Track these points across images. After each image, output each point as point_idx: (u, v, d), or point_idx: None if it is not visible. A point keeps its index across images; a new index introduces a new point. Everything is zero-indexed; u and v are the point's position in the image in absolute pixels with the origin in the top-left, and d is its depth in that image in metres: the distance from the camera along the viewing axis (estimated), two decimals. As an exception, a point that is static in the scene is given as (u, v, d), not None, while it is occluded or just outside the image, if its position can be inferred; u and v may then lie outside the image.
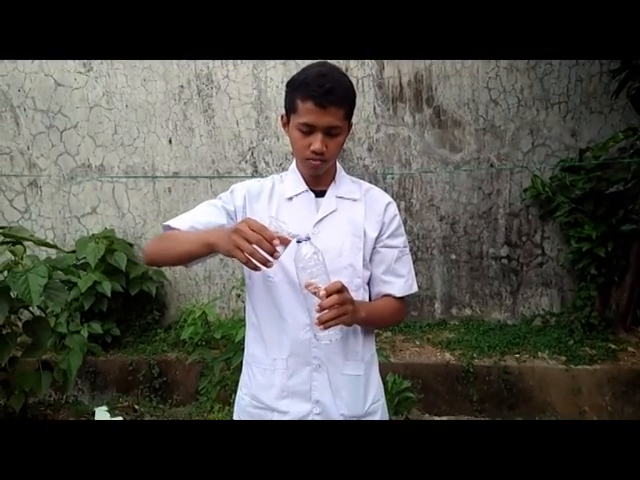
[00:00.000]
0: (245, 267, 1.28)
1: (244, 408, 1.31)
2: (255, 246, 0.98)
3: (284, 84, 1.23)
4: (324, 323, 1.04)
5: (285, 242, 1.02)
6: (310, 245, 1.06)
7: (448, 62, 3.65)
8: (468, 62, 3.63)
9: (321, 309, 1.04)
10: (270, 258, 0.99)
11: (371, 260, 1.29)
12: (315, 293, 1.05)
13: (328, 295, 1.04)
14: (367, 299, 1.30)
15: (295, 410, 1.22)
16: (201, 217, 1.22)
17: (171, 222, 1.22)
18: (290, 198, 1.27)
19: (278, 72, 3.79)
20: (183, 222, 1.21)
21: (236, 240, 0.99)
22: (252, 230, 0.99)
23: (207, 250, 1.11)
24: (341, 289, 1.07)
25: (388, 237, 1.29)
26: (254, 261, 0.99)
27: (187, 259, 1.18)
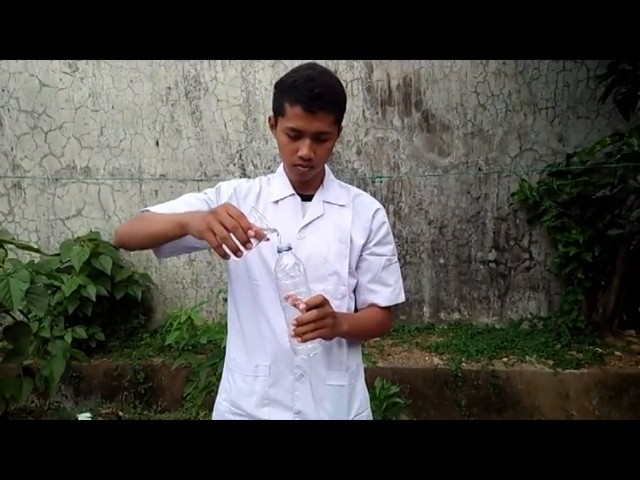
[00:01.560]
0: (228, 267, 1.25)
1: (222, 414, 1.27)
2: (230, 234, 0.95)
3: (272, 86, 1.20)
4: (301, 336, 1.01)
5: (260, 236, 0.98)
6: (291, 255, 1.02)
7: (437, 66, 3.66)
8: (456, 66, 3.64)
9: (299, 324, 1.01)
10: (242, 248, 0.96)
11: (357, 268, 1.26)
12: (295, 305, 1.02)
13: (308, 309, 1.01)
14: (353, 307, 1.27)
15: (275, 418, 1.19)
16: (182, 207, 1.19)
17: (150, 208, 1.20)
18: (276, 201, 1.24)
19: (267, 74, 3.77)
20: (162, 208, 1.19)
21: (211, 222, 0.96)
22: (230, 216, 0.96)
23: (179, 231, 1.07)
24: (322, 303, 1.04)
25: (375, 245, 1.26)
26: (225, 248, 0.96)
27: (158, 240, 1.14)
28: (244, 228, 0.95)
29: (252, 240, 0.96)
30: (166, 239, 1.12)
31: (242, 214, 0.98)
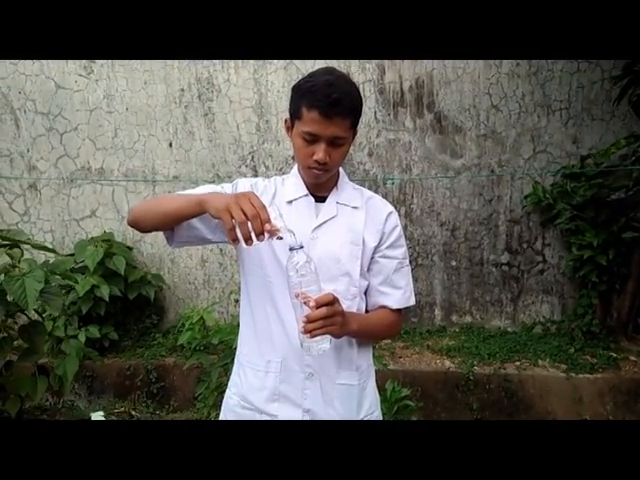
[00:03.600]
0: (242, 262, 1.26)
1: (232, 408, 1.28)
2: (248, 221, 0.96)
3: (285, 88, 1.21)
4: (310, 332, 1.02)
5: (274, 233, 0.99)
6: (302, 254, 1.03)
7: (449, 67, 3.64)
8: (469, 68, 3.63)
9: (308, 321, 1.02)
10: (254, 238, 0.97)
11: (369, 270, 1.26)
12: (305, 303, 1.03)
13: (318, 307, 1.02)
14: (363, 309, 1.28)
15: (284, 415, 1.20)
16: (199, 192, 1.19)
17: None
18: (290, 202, 1.24)
19: (279, 76, 3.78)
20: (179, 193, 1.22)
21: (231, 204, 0.97)
22: (251, 204, 0.97)
23: (197, 208, 1.08)
24: (332, 301, 1.04)
25: (387, 247, 1.26)
26: (238, 232, 0.97)
27: (174, 218, 1.14)
28: (262, 220, 0.97)
29: (266, 234, 0.97)
30: (182, 217, 1.13)
31: (264, 206, 0.99)
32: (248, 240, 0.97)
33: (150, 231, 1.23)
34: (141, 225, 1.21)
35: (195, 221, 1.18)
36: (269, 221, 0.98)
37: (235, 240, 0.98)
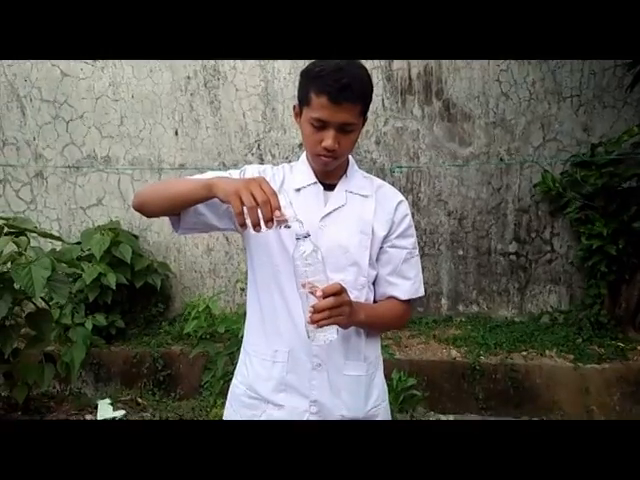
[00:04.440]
0: (250, 250, 1.24)
1: (238, 397, 1.27)
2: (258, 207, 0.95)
3: (291, 75, 1.19)
4: (317, 322, 1.01)
5: (282, 221, 0.98)
6: (309, 243, 1.01)
7: (458, 54, 3.59)
8: (479, 54, 3.57)
9: (315, 311, 1.00)
10: (263, 225, 0.96)
11: (378, 259, 1.24)
12: (312, 293, 1.01)
13: (325, 296, 1.00)
14: (371, 299, 1.26)
15: (291, 405, 1.18)
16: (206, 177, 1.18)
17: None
18: (298, 189, 1.22)
19: (285, 64, 3.74)
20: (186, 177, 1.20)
21: (241, 189, 0.96)
22: (262, 190, 0.96)
23: (205, 192, 1.06)
24: (339, 291, 1.03)
25: (397, 237, 1.24)
26: (247, 218, 0.95)
27: (181, 201, 1.12)
28: (273, 207, 0.95)
29: (275, 221, 0.96)
30: (190, 201, 1.11)
31: (275, 192, 0.97)
32: (256, 226, 0.96)
33: (156, 216, 1.21)
34: (147, 209, 1.19)
35: (202, 207, 1.16)
36: (279, 208, 0.96)
37: (243, 225, 0.97)
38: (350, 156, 1.26)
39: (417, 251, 1.29)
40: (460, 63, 3.60)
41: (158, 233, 4.06)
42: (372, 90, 1.15)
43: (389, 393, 1.38)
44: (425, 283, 1.33)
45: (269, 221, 0.95)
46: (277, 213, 0.96)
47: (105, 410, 2.72)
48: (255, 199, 0.95)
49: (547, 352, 3.29)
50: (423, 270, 1.36)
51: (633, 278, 3.38)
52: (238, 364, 1.32)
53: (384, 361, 1.34)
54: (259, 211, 0.95)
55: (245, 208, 0.95)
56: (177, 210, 1.16)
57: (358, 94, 1.09)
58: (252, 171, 1.24)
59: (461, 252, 3.82)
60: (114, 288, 3.48)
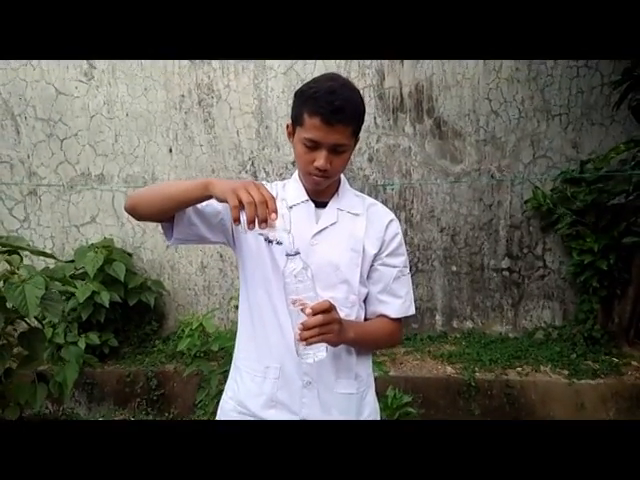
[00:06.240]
0: (243, 266, 1.24)
1: (227, 412, 1.27)
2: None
3: (285, 94, 1.20)
4: (306, 340, 1.01)
5: (272, 226, 0.99)
6: (299, 260, 1.02)
7: (449, 73, 3.65)
8: (469, 73, 3.63)
9: (304, 328, 1.00)
10: (257, 225, 0.97)
11: (369, 277, 1.25)
12: (302, 310, 1.01)
13: (314, 314, 1.01)
14: (362, 317, 1.26)
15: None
16: None
17: None
18: (290, 207, 1.23)
19: (279, 82, 3.79)
20: None
21: (239, 189, 0.97)
22: (260, 192, 0.97)
23: (201, 191, 1.06)
24: (328, 308, 1.03)
25: (388, 255, 1.25)
26: (242, 214, 0.96)
27: (175, 203, 1.12)
28: (270, 208, 0.96)
29: (269, 223, 0.97)
30: (186, 200, 1.11)
31: (273, 197, 0.98)
32: (251, 223, 0.96)
33: (148, 218, 1.19)
34: (140, 210, 1.18)
35: (194, 217, 1.17)
36: (276, 212, 0.97)
37: (237, 220, 0.97)
38: (342, 175, 1.28)
39: (408, 270, 1.30)
40: (450, 81, 3.66)
41: (152, 251, 4.05)
42: (364, 111, 1.17)
43: (384, 410, 1.38)
44: (419, 299, 1.34)
45: (263, 221, 0.96)
46: (273, 216, 0.96)
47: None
48: (253, 198, 0.96)
49: (542, 368, 3.30)
50: (417, 286, 1.37)
51: (625, 293, 3.40)
52: (228, 380, 1.32)
53: (378, 378, 1.34)
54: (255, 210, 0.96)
55: (246, 206, 0.96)
56: (171, 212, 1.15)
57: (351, 116, 1.11)
58: None
59: (454, 268, 3.83)
60: (107, 306, 3.45)
